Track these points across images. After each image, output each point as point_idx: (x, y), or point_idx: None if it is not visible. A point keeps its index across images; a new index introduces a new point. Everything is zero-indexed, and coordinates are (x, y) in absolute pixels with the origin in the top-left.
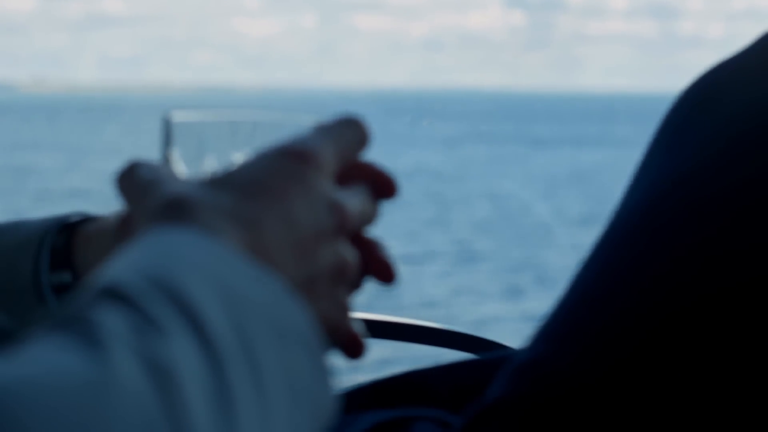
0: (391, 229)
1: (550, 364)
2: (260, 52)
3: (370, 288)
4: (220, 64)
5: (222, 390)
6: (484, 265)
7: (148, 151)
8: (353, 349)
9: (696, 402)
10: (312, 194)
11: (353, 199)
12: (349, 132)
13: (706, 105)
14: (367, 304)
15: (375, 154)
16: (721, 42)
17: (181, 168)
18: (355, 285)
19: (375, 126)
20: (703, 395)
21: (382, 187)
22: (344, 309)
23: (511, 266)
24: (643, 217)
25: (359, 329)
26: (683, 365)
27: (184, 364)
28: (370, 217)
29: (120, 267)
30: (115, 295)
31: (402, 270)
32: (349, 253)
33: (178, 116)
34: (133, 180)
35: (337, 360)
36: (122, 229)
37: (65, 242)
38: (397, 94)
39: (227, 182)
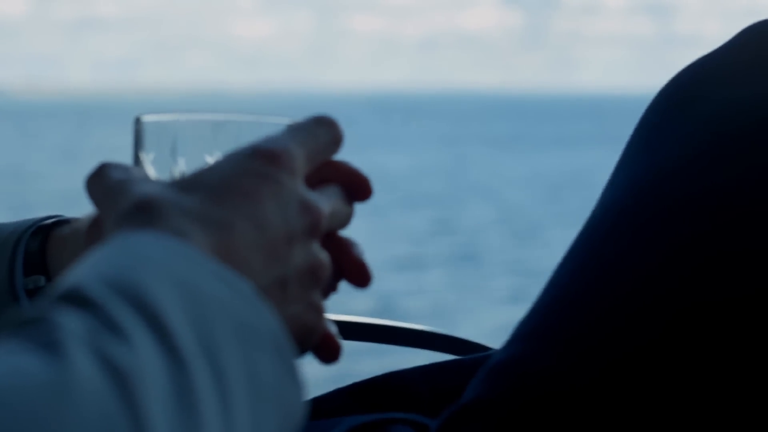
0: None
1: (526, 365)
2: (255, 54)
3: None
4: (214, 66)
5: (184, 392)
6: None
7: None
8: (328, 352)
9: (673, 403)
10: (282, 195)
11: (326, 200)
12: (321, 132)
13: (683, 103)
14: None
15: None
16: (718, 41)
17: (152, 170)
18: (329, 287)
19: (360, 127)
20: (681, 396)
21: (356, 187)
22: (318, 311)
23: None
24: (620, 217)
25: (334, 332)
26: (660, 366)
27: (144, 366)
28: (343, 218)
29: (83, 270)
30: (76, 298)
31: None
32: (322, 255)
33: (150, 117)
34: (103, 182)
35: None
36: (92, 232)
37: (39, 245)
38: (393, 95)
39: (196, 184)
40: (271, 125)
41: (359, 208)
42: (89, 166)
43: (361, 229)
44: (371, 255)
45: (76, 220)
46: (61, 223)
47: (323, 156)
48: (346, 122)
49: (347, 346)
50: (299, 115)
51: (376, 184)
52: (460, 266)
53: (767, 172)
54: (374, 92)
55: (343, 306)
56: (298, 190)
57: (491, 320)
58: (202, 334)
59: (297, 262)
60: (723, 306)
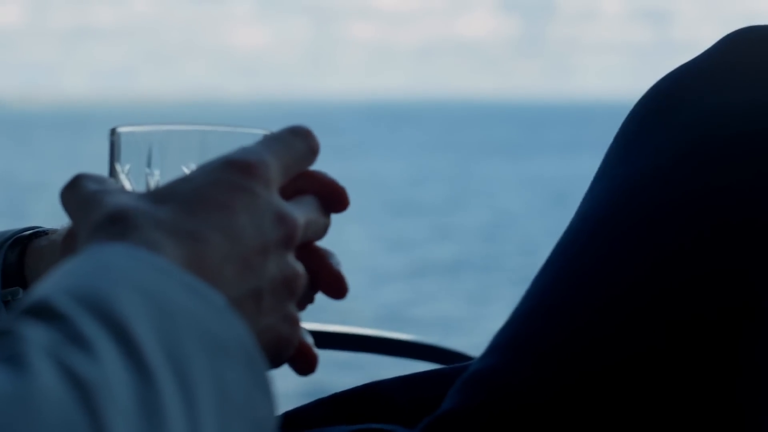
0: None
1: (501, 376)
2: (251, 62)
3: None
4: (211, 75)
5: (150, 405)
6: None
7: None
8: (304, 364)
9: (647, 415)
10: (257, 206)
11: (301, 211)
12: (296, 143)
13: (662, 112)
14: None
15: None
16: None
17: (128, 181)
18: (305, 298)
19: (357, 134)
20: (655, 408)
21: (332, 198)
22: (293, 322)
23: None
24: (597, 228)
25: (310, 342)
26: (635, 378)
27: (109, 378)
28: (320, 229)
29: (51, 283)
30: (42, 310)
31: None
32: (298, 266)
33: (125, 129)
34: (77, 193)
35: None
36: (67, 243)
37: (17, 257)
38: (391, 102)
39: (170, 195)
40: (247, 136)
41: (358, 216)
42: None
43: (359, 236)
44: (366, 263)
45: (54, 231)
46: (39, 234)
47: (299, 167)
48: (343, 130)
49: (335, 356)
50: (295, 123)
51: (372, 191)
52: (461, 274)
53: (744, 181)
54: (372, 99)
55: (348, 316)
56: (272, 201)
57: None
58: (169, 346)
59: (272, 273)
60: (699, 319)
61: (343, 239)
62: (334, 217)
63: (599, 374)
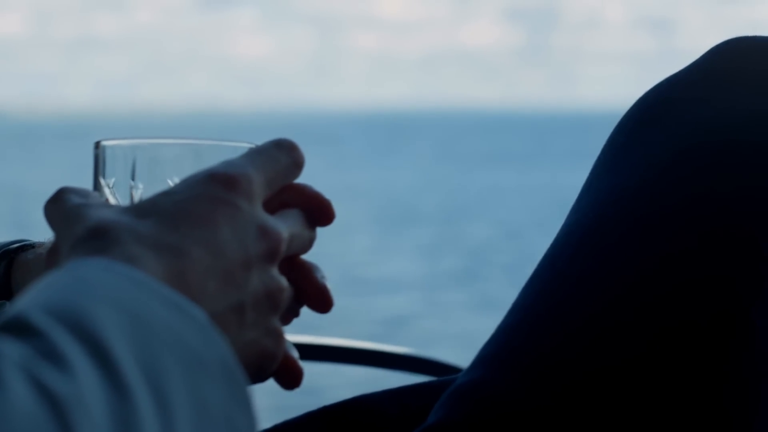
0: None
1: (486, 389)
2: (254, 72)
3: None
4: (214, 85)
5: (125, 421)
6: None
7: None
8: (289, 378)
9: (636, 426)
10: (240, 220)
11: (285, 225)
12: (281, 156)
13: (649, 123)
14: None
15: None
16: None
17: (112, 195)
18: (290, 312)
19: (359, 144)
20: (645, 420)
21: (318, 211)
22: (277, 337)
23: None
24: (583, 240)
25: (295, 356)
26: (619, 389)
27: (84, 394)
28: (305, 242)
29: (28, 298)
30: (18, 326)
31: None
32: (281, 280)
33: (110, 142)
34: (60, 207)
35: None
36: (51, 257)
37: (4, 270)
38: (394, 112)
39: (152, 209)
40: (232, 149)
41: (361, 226)
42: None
43: (365, 245)
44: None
45: (41, 245)
46: (26, 248)
47: (283, 180)
48: (346, 139)
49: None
50: (298, 134)
51: (378, 201)
52: (467, 285)
53: (732, 190)
54: (375, 109)
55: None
56: (255, 215)
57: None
58: (147, 362)
59: (254, 287)
60: (687, 327)
61: (341, 252)
62: (346, 230)
63: (586, 383)
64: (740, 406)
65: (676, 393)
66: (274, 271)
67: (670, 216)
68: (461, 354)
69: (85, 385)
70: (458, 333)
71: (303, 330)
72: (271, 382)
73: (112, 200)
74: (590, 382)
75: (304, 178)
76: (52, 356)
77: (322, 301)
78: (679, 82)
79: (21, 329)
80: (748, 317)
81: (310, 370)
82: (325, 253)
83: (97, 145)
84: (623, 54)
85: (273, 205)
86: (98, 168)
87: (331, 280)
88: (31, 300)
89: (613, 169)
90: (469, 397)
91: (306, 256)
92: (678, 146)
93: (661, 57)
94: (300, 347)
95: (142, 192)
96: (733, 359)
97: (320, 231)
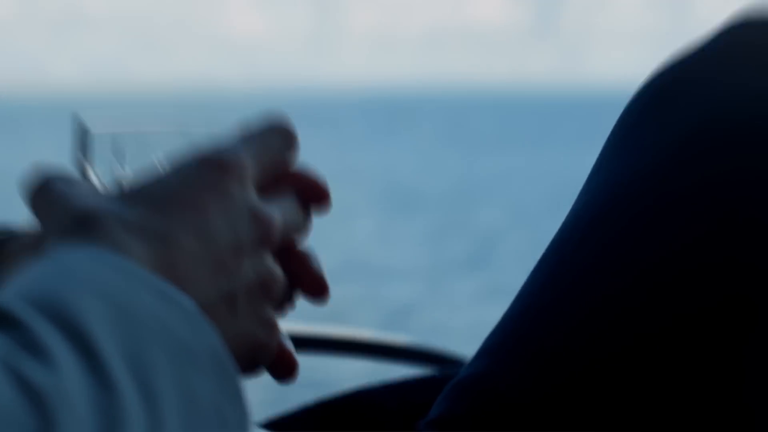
0: None
1: (489, 381)
2: (249, 50)
3: None
4: (207, 62)
5: (110, 414)
6: None
7: None
8: (284, 369)
9: (634, 418)
10: (231, 205)
11: (279, 210)
12: (274, 138)
13: (661, 104)
14: None
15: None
16: None
17: (98, 180)
18: (285, 301)
19: (358, 125)
20: (642, 411)
21: (313, 195)
22: (271, 326)
23: None
24: (590, 227)
25: (290, 347)
26: (623, 380)
27: (66, 387)
28: (299, 228)
29: (11, 288)
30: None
31: None
32: (275, 268)
33: (93, 122)
34: (45, 195)
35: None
36: (36, 246)
37: None
38: (395, 92)
39: (140, 195)
40: (223, 134)
41: (369, 211)
42: None
43: (369, 232)
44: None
45: (27, 234)
46: (11, 237)
47: (277, 164)
48: (345, 120)
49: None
50: (296, 115)
51: (377, 183)
52: (475, 272)
53: (748, 172)
54: (375, 88)
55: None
56: (248, 200)
57: None
58: (133, 353)
59: (246, 275)
60: (699, 317)
61: (342, 238)
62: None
63: (593, 374)
64: (760, 398)
65: (691, 383)
66: (268, 259)
67: (684, 199)
68: (469, 345)
69: (67, 377)
70: (466, 323)
71: (299, 320)
72: (265, 375)
73: (98, 186)
74: (598, 372)
75: (301, 162)
76: (34, 348)
77: (318, 291)
78: (691, 61)
79: (1, 320)
80: (767, 303)
81: (307, 362)
82: (326, 239)
83: (82, 129)
84: (635, 31)
85: (267, 190)
86: (83, 153)
87: (332, 268)
88: (12, 291)
89: (624, 151)
90: (472, 390)
91: (303, 243)
92: (692, 127)
93: (674, 34)
94: (296, 338)
95: (128, 177)
96: (751, 346)
97: (320, 216)
